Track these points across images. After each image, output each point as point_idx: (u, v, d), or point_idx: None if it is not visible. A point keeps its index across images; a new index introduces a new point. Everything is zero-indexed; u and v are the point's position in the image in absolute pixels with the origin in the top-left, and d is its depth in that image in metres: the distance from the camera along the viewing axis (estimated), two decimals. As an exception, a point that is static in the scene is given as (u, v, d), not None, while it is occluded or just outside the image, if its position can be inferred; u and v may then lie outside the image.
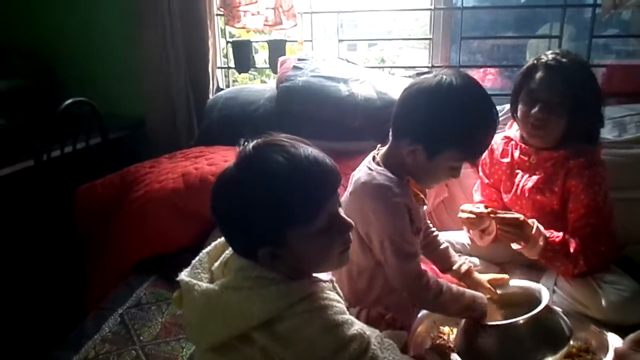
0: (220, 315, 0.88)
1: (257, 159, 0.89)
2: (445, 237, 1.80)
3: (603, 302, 1.49)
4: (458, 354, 1.28)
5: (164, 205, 1.85)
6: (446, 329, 1.44)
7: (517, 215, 1.49)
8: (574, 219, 1.55)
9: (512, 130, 1.72)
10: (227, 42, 2.81)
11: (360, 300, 1.35)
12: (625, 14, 2.57)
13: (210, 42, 2.59)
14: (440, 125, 1.17)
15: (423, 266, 1.29)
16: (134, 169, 2.09)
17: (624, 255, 1.70)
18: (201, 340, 0.93)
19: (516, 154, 1.69)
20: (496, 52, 3.14)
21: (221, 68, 2.84)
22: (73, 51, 2.84)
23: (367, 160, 1.33)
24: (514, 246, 1.55)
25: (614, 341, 1.29)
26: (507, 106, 2.17)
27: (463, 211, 1.59)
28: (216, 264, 0.98)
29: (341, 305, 0.94)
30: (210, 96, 2.62)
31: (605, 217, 1.55)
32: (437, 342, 1.46)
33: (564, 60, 1.51)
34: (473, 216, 1.55)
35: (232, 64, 2.80)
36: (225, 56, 2.89)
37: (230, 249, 0.98)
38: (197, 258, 1.00)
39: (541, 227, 1.51)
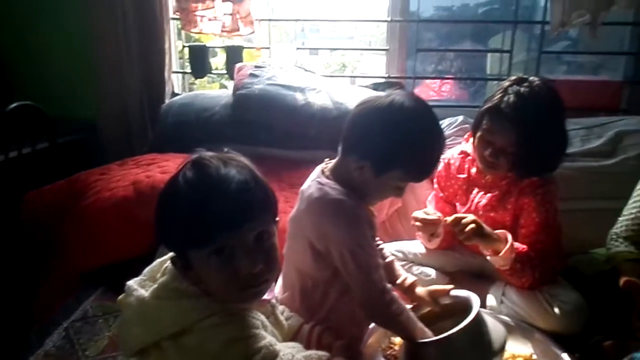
0: (142, 322, 0.91)
1: (179, 174, 0.91)
2: (399, 247, 1.84)
3: (548, 313, 1.55)
4: None
5: (114, 213, 1.80)
6: (397, 340, 1.45)
7: (467, 215, 1.52)
8: (525, 234, 1.60)
9: (470, 145, 1.74)
10: (184, 46, 2.77)
11: (313, 314, 1.34)
12: (573, 31, 2.67)
13: (166, 46, 2.54)
14: (387, 145, 1.19)
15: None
16: (83, 176, 2.02)
17: (569, 265, 1.76)
18: (126, 344, 0.94)
19: (473, 170, 1.72)
20: (452, 62, 3.21)
21: (177, 73, 2.80)
22: (23, 54, 2.72)
23: (316, 174, 1.33)
24: (485, 252, 1.58)
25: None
26: (460, 118, 2.26)
27: (415, 219, 1.62)
28: (160, 272, 1.00)
29: (253, 322, 0.95)
30: (166, 101, 2.57)
31: (554, 234, 1.60)
32: (388, 352, 1.48)
33: (524, 102, 1.49)
34: (428, 217, 1.58)
35: (188, 69, 2.75)
36: (181, 58, 2.84)
37: None
38: (150, 266, 1.01)
39: (510, 237, 1.53)
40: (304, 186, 1.33)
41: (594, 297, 1.60)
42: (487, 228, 1.50)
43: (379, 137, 1.20)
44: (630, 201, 1.65)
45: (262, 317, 0.99)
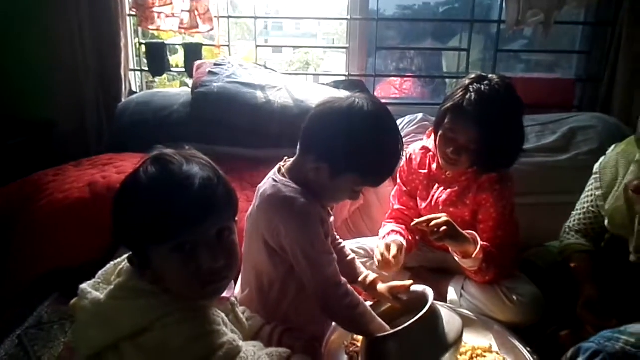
0: (100, 324, 0.89)
1: (136, 170, 0.90)
2: (361, 244, 1.85)
3: (506, 306, 1.58)
4: None
5: (68, 216, 1.74)
6: (360, 337, 1.46)
7: (439, 215, 1.53)
8: (484, 229, 1.62)
9: (431, 142, 1.76)
10: (141, 44, 2.70)
11: (272, 314, 1.33)
12: (527, 30, 2.74)
13: (122, 43, 2.48)
14: (344, 148, 1.19)
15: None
16: (36, 178, 1.95)
17: (526, 257, 1.80)
18: (82, 348, 0.93)
19: (433, 166, 1.74)
20: (412, 61, 3.25)
21: (135, 70, 2.73)
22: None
23: (273, 172, 1.33)
24: (454, 255, 1.60)
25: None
26: (420, 115, 2.28)
27: (378, 249, 1.62)
28: (115, 274, 0.98)
29: (214, 318, 0.94)
30: (123, 100, 2.50)
31: (512, 229, 1.64)
32: (351, 349, 1.48)
33: (485, 99, 1.50)
34: (386, 258, 1.58)
35: (146, 66, 2.69)
36: (138, 55, 2.77)
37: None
38: (103, 269, 1.00)
39: (479, 239, 1.56)
40: (261, 183, 1.33)
41: (549, 289, 1.65)
42: (458, 229, 1.52)
43: (336, 139, 1.20)
44: (583, 196, 1.70)
45: (223, 315, 0.98)
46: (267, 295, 1.34)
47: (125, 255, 0.99)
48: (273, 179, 1.29)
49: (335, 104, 1.24)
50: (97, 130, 2.50)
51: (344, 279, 1.28)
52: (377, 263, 1.60)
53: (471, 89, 1.54)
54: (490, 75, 1.59)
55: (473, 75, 1.60)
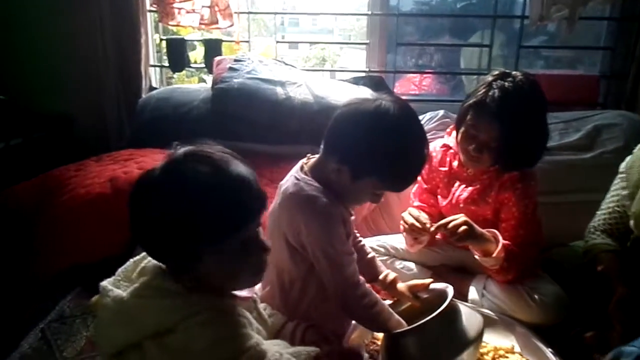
0: (123, 323, 0.88)
1: (182, 168, 0.87)
2: (381, 242, 1.84)
3: (529, 305, 1.57)
4: None
5: (90, 211, 1.75)
6: (380, 335, 1.45)
7: (457, 216, 1.51)
8: (506, 228, 1.60)
9: (452, 139, 1.74)
10: (162, 39, 2.71)
11: (293, 311, 1.33)
12: (551, 26, 2.69)
13: (142, 39, 2.48)
14: (367, 151, 1.17)
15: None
16: (57, 173, 1.97)
17: (549, 257, 1.77)
18: (104, 346, 0.93)
19: (454, 163, 1.72)
20: (432, 57, 3.21)
21: (155, 66, 2.74)
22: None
23: (295, 169, 1.32)
24: (475, 253, 1.58)
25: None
26: (441, 112, 2.26)
27: (410, 215, 1.60)
28: (136, 272, 0.97)
29: (241, 319, 0.93)
30: (143, 95, 2.51)
31: (534, 228, 1.61)
32: (372, 348, 1.48)
33: (508, 96, 1.49)
34: (417, 224, 1.56)
35: (166, 62, 2.70)
36: (159, 51, 2.78)
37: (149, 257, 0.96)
38: (123, 266, 0.99)
39: (500, 238, 1.54)
40: (283, 181, 1.32)
41: (573, 289, 1.62)
42: (478, 228, 1.50)
43: (359, 142, 1.18)
44: (608, 195, 1.67)
45: (248, 315, 0.97)
46: (288, 293, 1.34)
47: (143, 254, 0.98)
48: (295, 177, 1.28)
49: (360, 106, 1.22)
50: (117, 126, 2.52)
51: (362, 279, 1.28)
52: (407, 228, 1.58)
53: (494, 86, 1.52)
54: (513, 72, 1.57)
55: (496, 72, 1.58)
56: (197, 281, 0.90)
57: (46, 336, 1.42)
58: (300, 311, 1.34)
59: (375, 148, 1.17)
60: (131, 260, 0.99)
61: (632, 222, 1.53)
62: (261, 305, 1.20)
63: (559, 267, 1.74)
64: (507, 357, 1.45)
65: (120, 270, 0.97)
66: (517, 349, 1.49)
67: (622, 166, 1.62)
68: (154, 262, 0.93)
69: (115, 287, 0.91)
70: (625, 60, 2.45)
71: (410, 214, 1.59)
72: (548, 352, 1.41)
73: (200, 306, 0.88)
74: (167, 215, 0.84)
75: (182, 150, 0.90)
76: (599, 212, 1.69)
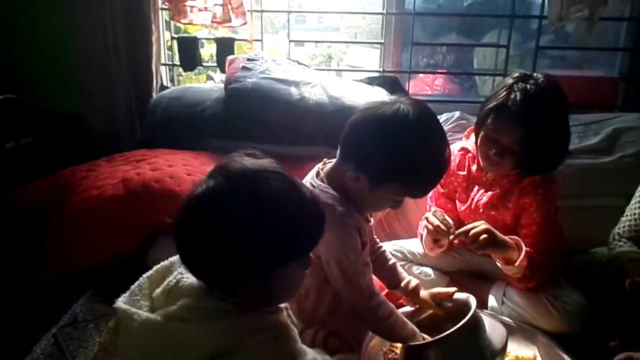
0: (163, 349, 0.82)
1: (263, 184, 0.83)
2: (398, 246, 1.81)
3: (552, 314, 1.53)
4: None
5: (102, 213, 1.73)
6: (398, 344, 1.42)
7: (477, 223, 1.47)
8: (527, 234, 1.56)
9: (470, 142, 1.71)
10: (172, 38, 2.68)
11: (309, 320, 1.31)
12: (569, 26, 2.64)
13: (154, 38, 2.46)
14: (387, 158, 1.13)
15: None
16: (69, 173, 1.94)
17: (570, 264, 1.73)
18: None
19: (473, 167, 1.68)
20: (444, 57, 3.17)
21: (165, 65, 2.71)
22: (4, 45, 2.61)
23: (311, 175, 1.28)
24: (499, 264, 1.54)
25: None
26: (457, 113, 2.22)
27: (435, 216, 1.55)
28: (158, 291, 0.91)
29: (294, 333, 0.91)
30: (154, 95, 2.48)
31: (556, 234, 1.57)
32: (390, 357, 1.44)
33: (530, 99, 1.44)
34: (443, 227, 1.51)
35: (177, 61, 2.67)
36: (170, 49, 2.75)
37: (174, 274, 0.91)
38: (136, 283, 0.93)
39: (523, 245, 1.50)
40: None
41: (595, 298, 1.58)
42: (500, 235, 1.46)
43: (378, 148, 1.14)
44: (633, 201, 1.63)
45: (293, 326, 0.93)
46: (304, 303, 1.32)
47: (155, 269, 0.95)
48: (311, 184, 1.25)
49: (378, 110, 1.17)
50: (128, 125, 2.49)
51: (377, 289, 1.25)
52: (432, 231, 1.53)
53: (516, 88, 1.48)
54: (534, 74, 1.53)
55: (517, 74, 1.54)
56: (251, 300, 0.86)
57: (58, 341, 1.39)
58: (316, 320, 1.31)
59: (395, 154, 1.13)
60: (144, 276, 0.94)
61: (657, 230, 1.49)
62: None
63: (580, 275, 1.70)
64: (528, 366, 1.42)
65: (134, 287, 0.92)
66: (539, 358, 1.45)
67: (648, 172, 1.58)
68: (187, 280, 0.88)
69: (134, 307, 0.86)
70: (645, 62, 2.41)
71: (436, 216, 1.54)
72: (572, 362, 1.38)
73: (257, 325, 0.84)
74: (243, 236, 0.80)
75: (243, 161, 0.86)
76: (623, 219, 1.65)
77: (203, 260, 0.84)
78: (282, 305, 0.97)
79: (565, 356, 1.40)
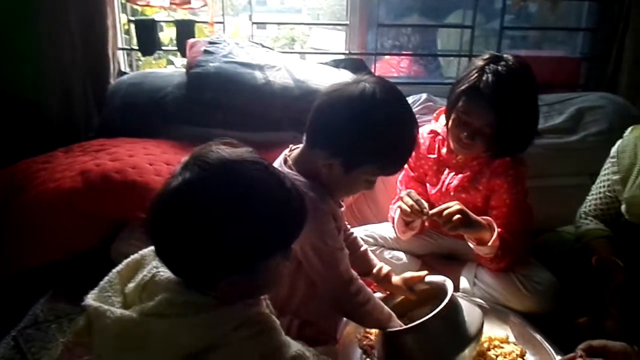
0: (140, 346, 0.78)
1: (244, 175, 0.81)
2: (369, 231, 1.79)
3: (522, 294, 1.55)
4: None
5: (60, 207, 1.64)
6: (373, 330, 1.41)
7: (451, 204, 1.45)
8: (497, 215, 1.57)
9: (440, 124, 1.69)
10: (129, 21, 2.57)
11: (283, 308, 1.28)
12: (532, 6, 2.66)
13: (109, 21, 2.34)
14: (360, 140, 1.12)
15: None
16: (24, 166, 1.84)
17: (538, 243, 1.76)
18: None
19: (443, 150, 1.67)
20: (409, 38, 3.14)
21: (123, 49, 2.60)
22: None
23: (278, 163, 1.25)
24: (471, 244, 1.54)
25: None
26: (424, 95, 2.21)
27: (409, 197, 1.52)
28: (131, 286, 0.87)
29: (277, 325, 0.88)
30: (112, 81, 2.38)
31: (526, 215, 1.59)
32: (365, 343, 1.44)
33: (502, 81, 1.44)
34: (417, 207, 1.48)
35: (135, 45, 2.56)
36: (127, 33, 2.63)
37: (148, 268, 0.87)
38: (105, 279, 0.88)
39: (495, 226, 1.49)
40: None
41: (564, 276, 1.61)
42: (473, 215, 1.45)
43: (350, 132, 1.11)
44: (598, 180, 1.65)
45: (275, 319, 0.91)
46: (276, 293, 1.28)
47: (125, 263, 0.91)
48: None
49: (344, 92, 1.14)
50: (86, 114, 2.37)
51: (355, 274, 1.24)
52: (407, 211, 1.50)
53: (487, 70, 1.47)
54: (505, 55, 1.52)
55: (487, 55, 1.53)
56: (233, 293, 0.83)
57: (19, 344, 1.32)
58: (289, 309, 1.29)
59: (370, 135, 1.11)
60: (114, 271, 0.89)
61: (623, 207, 1.52)
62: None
63: (548, 253, 1.73)
64: (502, 347, 1.43)
65: (103, 283, 0.87)
66: (512, 338, 1.47)
67: (613, 150, 1.60)
68: (164, 274, 0.84)
69: (106, 304, 0.81)
70: (607, 42, 2.44)
71: (410, 196, 1.52)
72: (543, 340, 1.40)
73: (240, 318, 0.81)
74: (225, 229, 0.77)
75: (218, 150, 0.82)
76: (589, 197, 1.68)
77: (182, 255, 0.80)
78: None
79: (537, 335, 1.42)
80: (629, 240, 1.54)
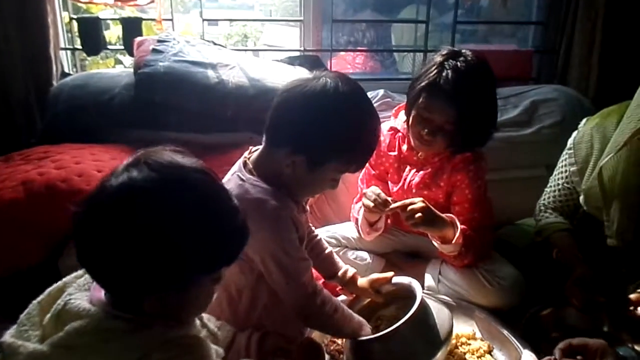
0: None
1: (197, 181, 0.76)
2: (332, 232, 1.76)
3: (487, 289, 1.55)
4: None
5: (0, 220, 1.54)
6: (340, 335, 1.38)
7: (416, 199, 1.44)
8: (459, 211, 1.56)
9: (399, 121, 1.67)
10: (72, 19, 2.43)
11: (244, 322, 1.24)
12: (483, 0, 2.68)
13: (50, 19, 2.21)
14: (325, 135, 1.08)
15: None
16: (-41, 177, 1.71)
17: (499, 237, 1.76)
18: None
19: (404, 147, 1.65)
20: (364, 34, 3.13)
21: (66, 49, 2.46)
22: None
23: (238, 167, 1.19)
24: (435, 243, 1.53)
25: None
26: (381, 91, 2.18)
27: (372, 192, 1.49)
28: (47, 317, 0.80)
29: (204, 349, 0.83)
30: (54, 83, 2.24)
31: (487, 210, 1.59)
32: (332, 348, 1.41)
33: (462, 77, 1.43)
34: (379, 200, 1.45)
35: (78, 44, 2.43)
36: (70, 32, 2.49)
37: (63, 296, 0.80)
38: (25, 311, 0.82)
39: (458, 223, 1.49)
40: (224, 179, 1.18)
41: (526, 269, 1.62)
42: (437, 212, 1.44)
43: (314, 127, 1.08)
44: (556, 172, 1.67)
45: (206, 341, 0.85)
46: (238, 303, 1.24)
47: (47, 292, 0.84)
48: (239, 176, 1.15)
49: (305, 88, 1.10)
50: (26, 118, 2.23)
51: (319, 285, 1.19)
52: (370, 205, 1.47)
53: (447, 66, 1.45)
54: (463, 51, 1.51)
55: (445, 51, 1.52)
56: (156, 314, 0.77)
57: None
58: (251, 321, 1.24)
59: (333, 130, 1.08)
60: (34, 302, 0.83)
61: (581, 198, 1.54)
62: (205, 317, 1.09)
63: (509, 247, 1.74)
64: (469, 343, 1.42)
65: (22, 317, 0.80)
66: (478, 334, 1.46)
67: (570, 142, 1.61)
68: (75, 302, 0.77)
69: (21, 339, 0.75)
70: (556, 35, 2.48)
71: (372, 192, 1.49)
72: (509, 335, 1.40)
73: (155, 343, 0.75)
74: (175, 234, 0.72)
75: (156, 155, 0.76)
76: (547, 189, 1.69)
77: (112, 262, 0.73)
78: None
79: (503, 330, 1.42)
80: (587, 232, 1.56)
